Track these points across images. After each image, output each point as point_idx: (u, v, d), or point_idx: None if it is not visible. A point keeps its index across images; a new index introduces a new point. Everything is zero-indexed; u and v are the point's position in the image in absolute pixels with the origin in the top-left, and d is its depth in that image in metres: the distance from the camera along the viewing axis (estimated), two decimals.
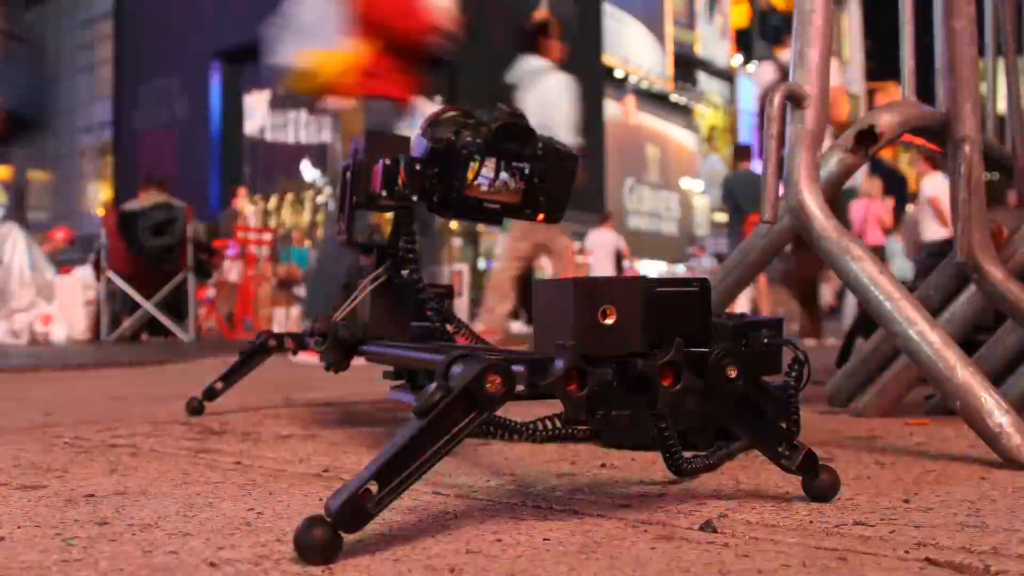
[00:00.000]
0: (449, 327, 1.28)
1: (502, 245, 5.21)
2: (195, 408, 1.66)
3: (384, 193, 1.19)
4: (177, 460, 1.17)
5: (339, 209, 1.31)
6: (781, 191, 1.30)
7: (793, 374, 1.11)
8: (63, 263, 7.18)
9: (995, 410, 1.11)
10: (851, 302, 8.22)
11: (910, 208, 9.43)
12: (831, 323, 7.33)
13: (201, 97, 17.75)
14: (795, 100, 1.28)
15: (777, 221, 1.30)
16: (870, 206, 7.98)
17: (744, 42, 26.87)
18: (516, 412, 1.37)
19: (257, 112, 17.76)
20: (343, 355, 1.28)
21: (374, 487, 0.69)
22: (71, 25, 21.59)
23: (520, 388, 0.76)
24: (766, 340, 1.22)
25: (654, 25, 23.25)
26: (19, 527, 0.80)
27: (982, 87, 1.59)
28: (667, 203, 24.39)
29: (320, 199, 15.01)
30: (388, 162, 1.19)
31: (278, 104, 16.96)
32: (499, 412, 0.96)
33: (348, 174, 1.29)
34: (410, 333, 1.32)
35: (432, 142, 1.17)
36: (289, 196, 16.91)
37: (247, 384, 1.72)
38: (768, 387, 1.17)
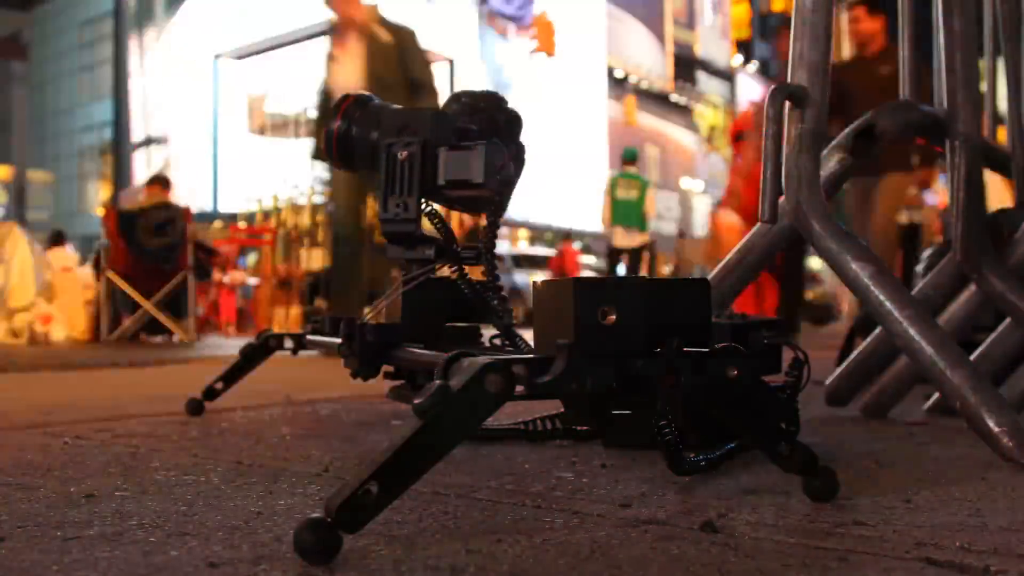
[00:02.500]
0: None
1: None
2: (195, 408, 1.66)
3: (483, 180, 1.11)
4: (177, 460, 1.17)
5: (391, 194, 1.15)
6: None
7: (793, 374, 1.11)
8: None
9: (995, 410, 1.11)
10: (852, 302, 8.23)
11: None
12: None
13: None
14: (795, 100, 1.28)
15: (777, 221, 1.30)
16: None
17: (744, 46, 26.88)
18: (517, 412, 1.37)
19: None
20: (371, 361, 1.16)
21: (374, 487, 0.69)
22: (71, 25, 21.58)
23: (520, 388, 0.76)
24: (766, 340, 1.22)
25: (654, 25, 23.25)
26: (19, 527, 0.80)
27: (982, 87, 1.59)
28: (667, 203, 24.38)
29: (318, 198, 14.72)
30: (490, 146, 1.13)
31: None
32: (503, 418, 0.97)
33: (403, 154, 1.14)
34: (445, 336, 1.20)
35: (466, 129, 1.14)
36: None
37: (247, 384, 1.72)
38: (768, 387, 1.17)
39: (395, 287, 1.20)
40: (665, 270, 13.28)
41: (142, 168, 18.39)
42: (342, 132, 1.27)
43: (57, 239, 8.69)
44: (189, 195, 16.84)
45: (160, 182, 6.69)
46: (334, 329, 1.60)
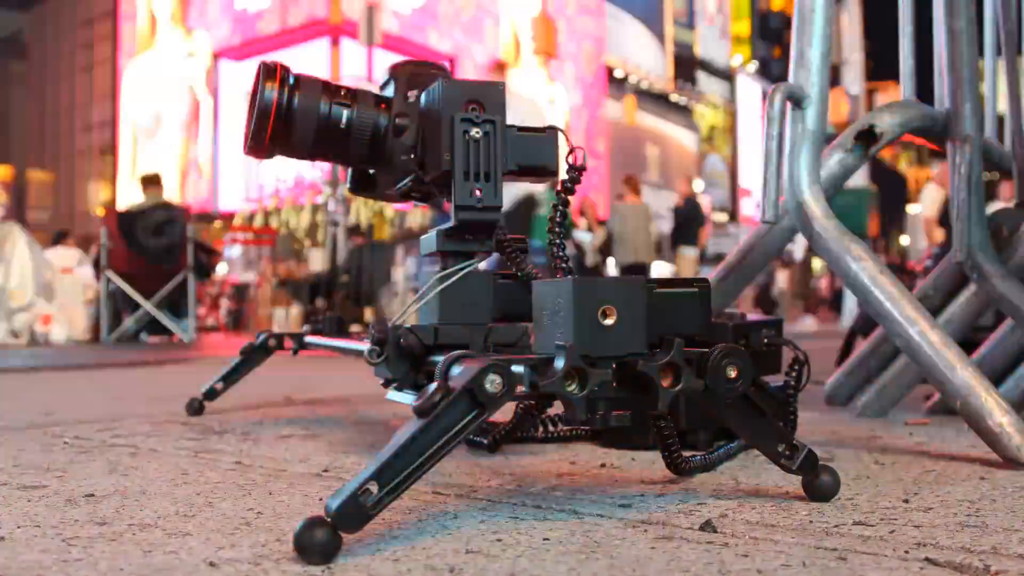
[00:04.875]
0: None
1: None
2: (195, 408, 1.66)
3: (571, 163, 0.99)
4: (177, 460, 1.17)
5: (467, 179, 1.00)
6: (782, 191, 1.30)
7: (793, 374, 1.11)
8: None
9: (995, 410, 1.11)
10: (851, 302, 8.22)
11: (911, 208, 9.41)
12: (831, 324, 7.35)
13: None
14: (795, 100, 1.28)
15: (778, 221, 1.30)
16: None
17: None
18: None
19: None
20: (408, 368, 1.01)
21: (374, 487, 0.69)
22: (71, 25, 21.58)
23: (520, 388, 0.76)
24: (766, 340, 1.22)
25: (654, 25, 23.25)
26: (19, 527, 0.80)
27: (982, 87, 1.59)
28: (667, 203, 24.36)
29: (319, 198, 14.58)
30: (560, 128, 1.04)
31: None
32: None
33: (478, 133, 0.99)
34: (492, 338, 1.06)
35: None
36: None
37: (247, 384, 1.72)
38: (768, 387, 1.17)
39: (430, 283, 1.07)
40: None
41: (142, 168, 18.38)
42: (283, 106, 1.04)
43: (59, 238, 8.64)
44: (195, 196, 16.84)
45: (153, 181, 6.68)
46: (337, 330, 1.60)
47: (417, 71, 1.08)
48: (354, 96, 1.08)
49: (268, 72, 1.05)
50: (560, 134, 1.04)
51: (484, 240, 1.05)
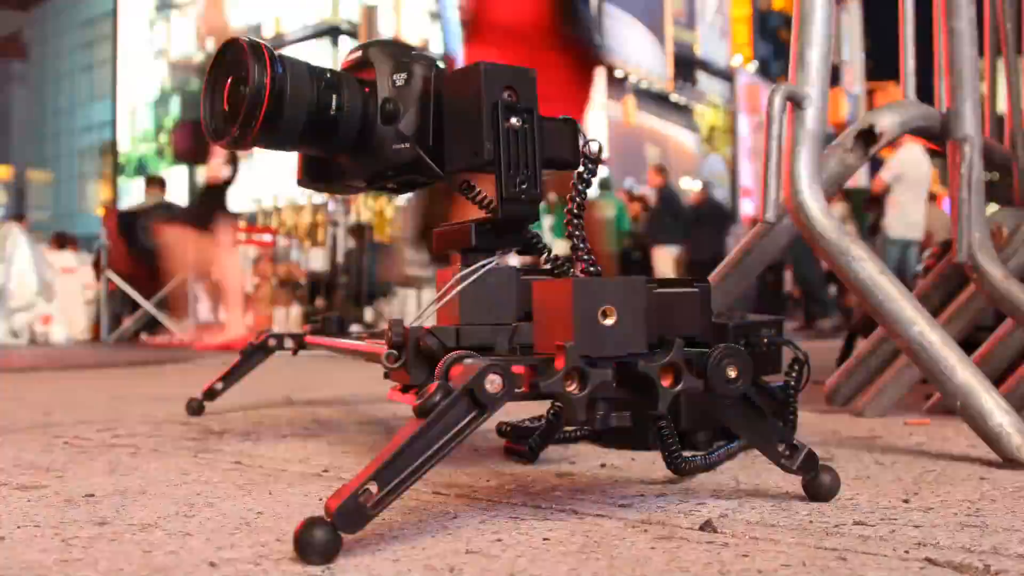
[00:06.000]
0: None
1: None
2: (195, 408, 1.66)
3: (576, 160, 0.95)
4: (177, 460, 1.17)
5: (510, 169, 0.93)
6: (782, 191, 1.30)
7: (793, 374, 1.11)
8: None
9: (995, 410, 1.11)
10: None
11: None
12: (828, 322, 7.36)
13: None
14: (795, 101, 1.28)
15: (778, 221, 1.30)
16: None
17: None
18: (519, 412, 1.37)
19: None
20: (428, 372, 0.91)
21: (374, 487, 0.69)
22: (71, 25, 21.59)
23: (520, 389, 0.76)
24: (766, 340, 1.22)
25: (654, 25, 23.26)
26: (19, 527, 0.80)
27: (982, 87, 1.59)
28: None
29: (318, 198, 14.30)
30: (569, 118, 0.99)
31: None
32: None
33: (516, 121, 0.92)
34: (517, 338, 0.98)
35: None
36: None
37: (247, 384, 1.72)
38: (768, 387, 1.17)
39: (452, 281, 0.99)
40: None
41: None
42: (276, 90, 0.91)
43: (60, 242, 8.61)
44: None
45: (157, 182, 6.72)
46: (338, 330, 1.59)
47: (400, 54, 1.00)
48: (339, 79, 0.99)
49: (255, 52, 0.92)
50: (577, 125, 0.99)
51: (516, 235, 0.98)
